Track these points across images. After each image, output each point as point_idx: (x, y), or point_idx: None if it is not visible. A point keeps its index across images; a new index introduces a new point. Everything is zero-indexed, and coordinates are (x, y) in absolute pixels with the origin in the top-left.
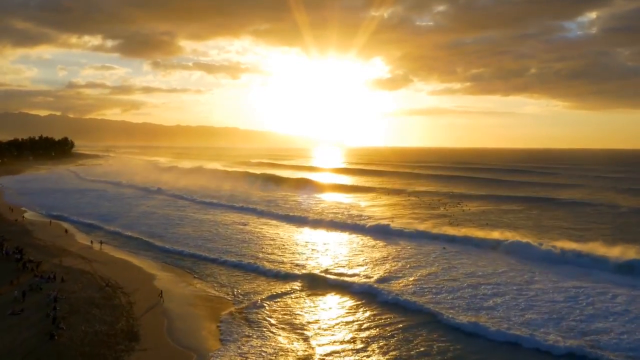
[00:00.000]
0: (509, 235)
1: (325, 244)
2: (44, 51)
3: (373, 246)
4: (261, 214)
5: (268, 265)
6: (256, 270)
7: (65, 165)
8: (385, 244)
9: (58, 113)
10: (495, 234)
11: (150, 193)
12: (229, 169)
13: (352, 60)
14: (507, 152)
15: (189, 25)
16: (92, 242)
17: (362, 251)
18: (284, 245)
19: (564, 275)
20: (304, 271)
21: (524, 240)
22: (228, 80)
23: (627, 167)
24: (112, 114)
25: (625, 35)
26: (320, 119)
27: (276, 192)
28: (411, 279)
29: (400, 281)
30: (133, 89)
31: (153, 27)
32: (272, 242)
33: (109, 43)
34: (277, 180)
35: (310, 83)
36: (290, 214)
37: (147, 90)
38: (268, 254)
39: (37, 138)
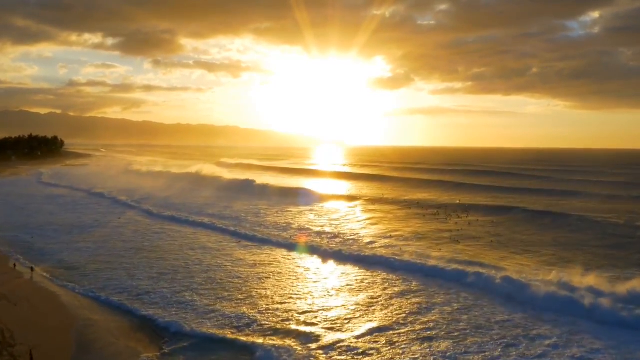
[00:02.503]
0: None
1: (293, 278)
2: (45, 49)
3: (351, 286)
4: (230, 233)
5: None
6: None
7: (49, 166)
8: (370, 282)
9: (58, 111)
10: (517, 267)
11: (119, 205)
12: (218, 172)
13: (353, 59)
14: (509, 153)
15: (189, 23)
16: (14, 265)
17: (332, 294)
18: (235, 285)
19: None
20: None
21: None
22: (229, 79)
23: (632, 169)
24: (113, 112)
25: (627, 35)
26: (321, 118)
27: (258, 201)
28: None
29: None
30: (133, 88)
31: (154, 26)
32: (228, 281)
33: (110, 41)
34: (263, 187)
35: (311, 82)
36: (259, 234)
37: (148, 88)
38: (222, 299)
39: (26, 136)
